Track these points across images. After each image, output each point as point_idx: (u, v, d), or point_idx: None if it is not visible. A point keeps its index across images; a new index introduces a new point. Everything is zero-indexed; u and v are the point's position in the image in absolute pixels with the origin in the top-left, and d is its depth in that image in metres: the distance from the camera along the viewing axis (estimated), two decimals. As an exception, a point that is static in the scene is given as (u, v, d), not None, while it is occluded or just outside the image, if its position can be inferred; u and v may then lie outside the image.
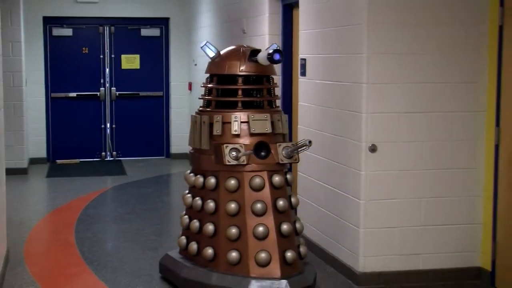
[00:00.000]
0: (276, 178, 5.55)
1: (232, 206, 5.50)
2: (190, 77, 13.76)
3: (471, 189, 6.33)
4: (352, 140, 6.15)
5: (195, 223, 5.79)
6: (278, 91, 6.15)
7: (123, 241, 8.16)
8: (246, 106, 5.72)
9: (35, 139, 13.34)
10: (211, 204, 5.62)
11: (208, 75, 6.01)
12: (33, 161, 13.16)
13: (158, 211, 9.54)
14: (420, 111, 6.17)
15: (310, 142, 5.48)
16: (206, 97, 5.93)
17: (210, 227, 5.59)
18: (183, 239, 6.01)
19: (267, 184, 5.54)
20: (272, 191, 5.56)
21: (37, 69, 13.33)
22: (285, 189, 5.71)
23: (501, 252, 6.13)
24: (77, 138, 13.76)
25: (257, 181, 5.50)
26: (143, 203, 9.97)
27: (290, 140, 6.87)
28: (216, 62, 5.90)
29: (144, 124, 14.12)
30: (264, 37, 8.79)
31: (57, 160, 13.61)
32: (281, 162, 5.62)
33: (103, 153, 13.97)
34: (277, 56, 5.57)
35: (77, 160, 13.67)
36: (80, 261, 7.10)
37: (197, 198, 5.82)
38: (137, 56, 13.94)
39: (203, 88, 6.06)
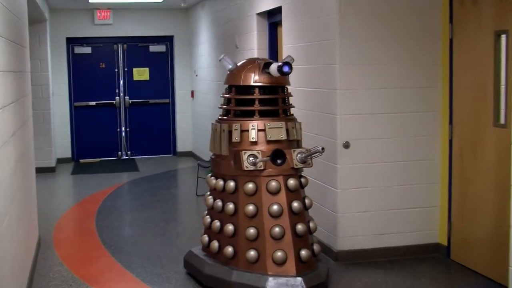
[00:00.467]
0: (291, 182, 5.23)
1: (250, 208, 5.18)
2: (192, 86, 13.68)
3: (429, 177, 6.33)
4: (329, 138, 6.14)
5: (216, 223, 5.46)
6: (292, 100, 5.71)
7: (136, 228, 8.15)
8: (263, 114, 5.37)
9: (61, 142, 13.28)
10: (230, 206, 5.30)
11: (226, 86, 5.67)
12: (60, 161, 13.11)
13: (166, 202, 9.45)
14: (385, 112, 6.16)
15: (323, 148, 5.14)
16: (226, 107, 5.59)
17: (230, 227, 5.29)
18: (205, 238, 5.68)
19: (282, 188, 5.22)
20: (288, 194, 5.23)
21: (62, 82, 13.26)
22: (300, 192, 5.36)
23: (455, 230, 6.14)
24: (97, 140, 13.68)
25: (273, 185, 5.19)
26: (154, 195, 9.89)
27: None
28: (234, 73, 5.56)
29: (153, 127, 14.03)
30: (254, 51, 8.70)
31: (80, 160, 13.55)
32: (295, 167, 5.28)
33: (119, 152, 13.88)
34: (286, 68, 5.24)
35: (97, 159, 13.61)
36: (99, 245, 7.08)
37: (217, 200, 5.49)
38: (147, 69, 13.85)
39: (223, 98, 5.72)
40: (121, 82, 13.77)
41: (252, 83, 5.40)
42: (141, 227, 8.11)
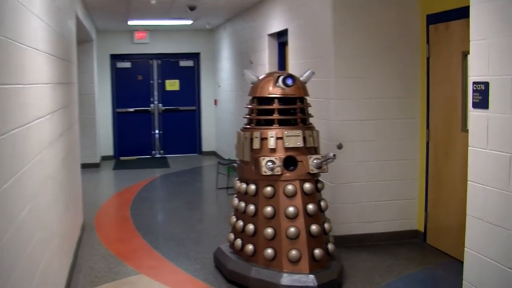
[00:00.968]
0: (307, 186, 4.97)
1: (269, 210, 4.94)
2: (215, 95, 13.63)
3: (410, 174, 6.35)
4: (326, 140, 6.14)
5: (240, 223, 5.24)
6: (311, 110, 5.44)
7: (163, 215, 8.22)
8: (282, 123, 5.12)
9: (105, 142, 13.33)
10: (251, 207, 5.08)
11: (250, 97, 5.39)
12: (104, 158, 13.16)
13: (191, 193, 9.44)
14: (373, 118, 6.18)
15: (334, 155, 4.92)
16: (248, 116, 5.34)
17: (250, 227, 5.06)
18: (231, 236, 5.43)
19: (298, 191, 4.94)
20: (303, 197, 4.95)
21: (106, 92, 13.30)
22: (315, 195, 5.07)
23: (430, 219, 6.18)
24: (135, 141, 13.67)
25: (289, 188, 4.92)
26: (180, 187, 9.89)
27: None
28: (256, 86, 5.30)
29: (182, 130, 13.93)
30: (265, 66, 8.73)
31: (120, 157, 13.54)
32: (311, 172, 5.01)
33: (153, 151, 13.82)
34: (289, 80, 5.09)
35: (135, 157, 13.58)
36: (133, 229, 7.16)
37: (241, 202, 5.26)
38: (177, 81, 13.79)
39: (245, 108, 5.50)
40: (155, 91, 13.72)
41: (271, 95, 5.17)
42: (168, 214, 8.19)
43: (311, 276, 4.75)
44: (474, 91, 3.67)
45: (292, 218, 4.90)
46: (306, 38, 6.91)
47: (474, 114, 3.71)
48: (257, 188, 5.08)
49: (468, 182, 3.80)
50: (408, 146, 6.34)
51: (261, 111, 5.23)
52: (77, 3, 7.31)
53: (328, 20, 6.11)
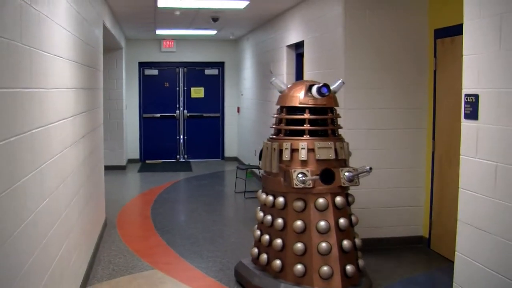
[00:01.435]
0: (339, 200, 4.70)
1: (299, 224, 4.64)
2: (238, 103, 13.78)
3: (416, 182, 6.44)
4: None
5: (266, 237, 4.93)
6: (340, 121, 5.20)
7: (182, 215, 8.42)
8: (312, 134, 4.82)
9: (131, 145, 13.54)
10: (279, 221, 4.76)
11: (278, 106, 5.13)
12: (130, 161, 13.39)
13: (210, 196, 9.57)
14: (381, 128, 6.28)
15: (370, 168, 4.68)
16: (277, 126, 5.03)
17: (278, 242, 4.76)
18: (255, 250, 5.12)
19: (330, 205, 4.67)
20: (335, 211, 4.69)
21: (134, 98, 13.53)
22: (346, 209, 4.82)
23: (434, 225, 6.27)
24: (160, 145, 13.82)
25: (321, 202, 4.64)
26: (201, 190, 10.05)
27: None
28: (285, 95, 4.99)
29: (206, 136, 14.06)
30: (284, 76, 8.86)
31: (146, 160, 13.72)
32: (343, 185, 4.73)
33: (178, 156, 13.97)
34: (324, 90, 4.75)
35: (160, 161, 13.73)
36: (152, 227, 7.37)
37: (267, 215, 4.94)
38: (202, 89, 13.96)
39: (274, 118, 5.21)
40: (181, 98, 13.89)
41: (302, 104, 4.85)
42: (186, 215, 8.41)
43: None
44: (465, 102, 3.81)
45: (324, 233, 4.63)
46: (320, 50, 7.07)
47: (465, 125, 3.84)
48: (285, 201, 4.78)
49: (460, 189, 3.92)
50: (414, 155, 6.43)
51: (290, 121, 4.94)
52: (104, 14, 7.59)
53: (340, 33, 6.27)
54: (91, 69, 5.93)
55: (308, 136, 4.81)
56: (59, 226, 3.86)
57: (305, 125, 4.85)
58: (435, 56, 6.17)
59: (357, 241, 4.85)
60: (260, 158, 10.24)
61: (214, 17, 9.26)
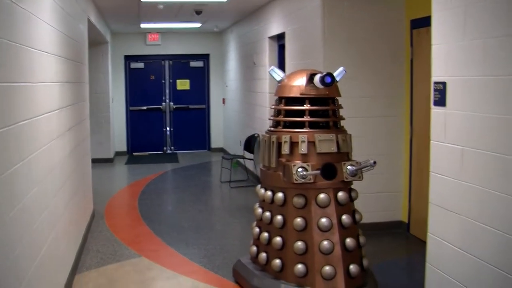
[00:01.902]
0: (341, 195, 4.38)
1: (299, 221, 4.34)
2: (223, 94, 13.87)
3: (395, 168, 6.59)
4: None
5: (265, 234, 4.64)
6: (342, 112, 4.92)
7: (168, 205, 8.55)
8: (313, 126, 4.49)
9: (119, 138, 13.61)
10: (279, 218, 4.47)
11: (277, 97, 4.77)
12: (117, 154, 13.46)
13: (196, 186, 9.67)
14: (361, 116, 6.41)
15: (374, 162, 4.35)
16: (275, 118, 4.67)
17: (278, 240, 4.47)
18: (254, 248, 4.85)
19: (332, 201, 4.36)
20: (337, 207, 4.38)
21: (120, 91, 13.58)
22: (349, 205, 4.52)
23: (413, 210, 6.45)
24: (147, 137, 13.92)
25: (322, 198, 4.33)
26: (187, 181, 10.17)
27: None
28: (284, 85, 4.64)
29: (192, 127, 14.15)
30: (266, 67, 8.96)
31: (133, 153, 13.82)
32: (345, 180, 4.41)
33: (164, 147, 14.06)
34: (328, 79, 4.42)
35: (147, 153, 13.83)
36: (139, 217, 7.52)
37: (266, 211, 4.64)
38: (188, 81, 14.03)
39: (272, 110, 4.82)
40: (167, 91, 13.97)
41: (302, 95, 4.51)
42: (173, 204, 8.55)
43: None
44: (434, 90, 4.00)
45: (326, 230, 4.34)
46: (300, 41, 7.22)
47: (434, 111, 4.04)
48: (285, 197, 4.47)
49: (430, 173, 4.12)
50: (393, 142, 6.59)
51: (289, 113, 4.61)
52: (89, 9, 7.70)
53: (318, 25, 6.42)
54: (76, 63, 6.06)
55: (308, 128, 4.48)
56: (47, 215, 4.01)
57: (305, 117, 4.51)
58: (411, 45, 6.34)
59: (361, 239, 4.54)
60: (245, 148, 10.44)
61: (197, 10, 9.39)
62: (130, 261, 5.70)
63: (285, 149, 4.44)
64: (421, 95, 6.20)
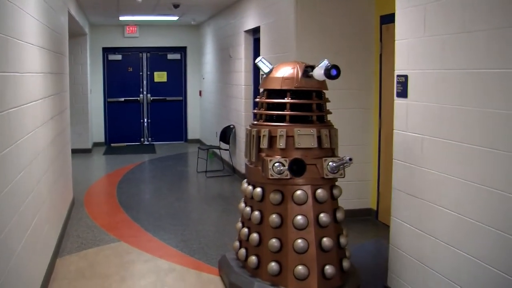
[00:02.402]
0: (320, 192, 4.21)
1: (275, 218, 4.21)
2: (200, 86, 14.07)
3: (365, 158, 6.86)
4: None
5: (245, 230, 4.55)
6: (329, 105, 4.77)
7: (146, 194, 8.74)
8: (295, 120, 4.33)
9: (97, 129, 13.73)
10: (256, 214, 4.36)
11: (262, 90, 4.62)
12: (95, 144, 13.61)
13: (173, 176, 9.89)
14: (333, 108, 6.30)
15: (350, 159, 4.17)
16: (257, 111, 4.54)
17: (255, 236, 4.37)
18: (237, 243, 4.76)
19: (310, 198, 4.20)
20: (315, 205, 4.22)
21: (98, 82, 13.71)
22: (329, 203, 4.31)
23: (381, 198, 6.72)
24: (125, 128, 14.07)
25: (299, 195, 4.17)
26: (164, 171, 10.37)
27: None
28: (269, 77, 4.49)
29: (169, 119, 14.32)
30: (242, 60, 9.24)
31: (111, 144, 13.95)
32: (325, 176, 4.24)
33: (142, 138, 14.24)
34: (334, 72, 4.23)
35: (124, 144, 13.98)
36: (117, 205, 7.72)
37: (247, 206, 4.55)
38: (165, 73, 14.20)
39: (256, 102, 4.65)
40: (145, 82, 14.12)
41: (286, 87, 4.34)
42: (150, 193, 8.75)
43: None
44: (397, 82, 4.28)
45: (301, 229, 4.19)
46: (274, 35, 7.45)
47: (397, 102, 4.32)
48: (263, 193, 4.36)
49: (393, 160, 4.40)
50: (363, 133, 6.85)
51: (271, 106, 4.47)
52: (69, 1, 7.86)
53: (291, 20, 6.66)
54: (57, 55, 6.24)
55: (289, 122, 4.33)
56: (32, 199, 4.22)
57: (286, 110, 4.36)
58: (380, 40, 6.60)
59: (342, 239, 4.36)
60: (220, 139, 10.65)
61: (175, 4, 9.58)
62: (109, 245, 5.92)
63: (264, 143, 4.32)
64: (389, 88, 6.43)
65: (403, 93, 4.20)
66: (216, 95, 11.86)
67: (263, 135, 4.32)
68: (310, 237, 4.18)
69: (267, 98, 4.48)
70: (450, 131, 3.62)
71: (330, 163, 4.26)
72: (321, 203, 4.26)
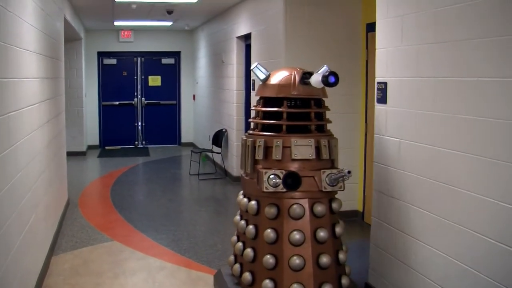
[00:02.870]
0: (318, 207, 3.96)
1: (270, 233, 3.96)
2: (194, 91, 14.24)
3: (352, 161, 7.03)
4: None
5: (239, 245, 4.31)
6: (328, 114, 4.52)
7: (139, 195, 8.93)
8: (292, 130, 4.04)
9: (91, 132, 13.90)
10: (251, 228, 4.12)
11: (258, 97, 4.35)
12: (90, 147, 13.78)
13: (166, 178, 10.06)
14: None
15: (349, 172, 3.86)
16: (254, 120, 4.27)
17: (249, 251, 4.12)
18: (232, 258, 4.54)
19: (307, 213, 3.95)
20: (313, 220, 3.96)
21: (93, 86, 13.88)
22: (328, 218, 4.06)
23: (367, 200, 6.89)
24: (119, 132, 14.21)
25: (296, 209, 3.90)
26: (158, 173, 10.56)
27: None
28: (265, 84, 4.21)
29: (163, 123, 14.47)
30: (234, 65, 9.45)
31: (106, 147, 14.11)
32: (324, 190, 3.97)
33: (136, 142, 14.38)
34: (332, 79, 3.94)
35: (119, 147, 14.13)
36: (111, 206, 7.92)
37: (242, 220, 4.31)
38: (159, 77, 14.37)
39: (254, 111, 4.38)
40: (139, 86, 14.29)
41: (280, 95, 4.08)
42: (143, 195, 8.95)
43: None
44: (377, 89, 4.51)
45: (297, 245, 3.94)
46: (264, 41, 7.68)
47: (377, 108, 4.54)
48: (259, 206, 4.12)
49: (373, 163, 4.62)
50: (351, 137, 7.05)
51: (268, 115, 4.18)
52: (65, 7, 8.08)
53: (281, 27, 6.89)
54: (53, 60, 6.45)
55: (285, 131, 4.05)
56: (30, 197, 4.44)
57: (282, 119, 4.08)
58: (366, 48, 6.83)
59: (341, 255, 4.11)
60: (213, 143, 10.85)
61: (169, 10, 9.81)
62: (103, 244, 6.13)
63: (259, 154, 4.05)
64: (375, 93, 6.67)
65: (383, 99, 4.42)
66: (209, 100, 12.06)
67: (258, 146, 4.06)
68: (307, 254, 3.94)
69: (263, 106, 4.22)
70: (424, 135, 3.84)
71: (329, 175, 3.99)
72: (319, 218, 4.01)
